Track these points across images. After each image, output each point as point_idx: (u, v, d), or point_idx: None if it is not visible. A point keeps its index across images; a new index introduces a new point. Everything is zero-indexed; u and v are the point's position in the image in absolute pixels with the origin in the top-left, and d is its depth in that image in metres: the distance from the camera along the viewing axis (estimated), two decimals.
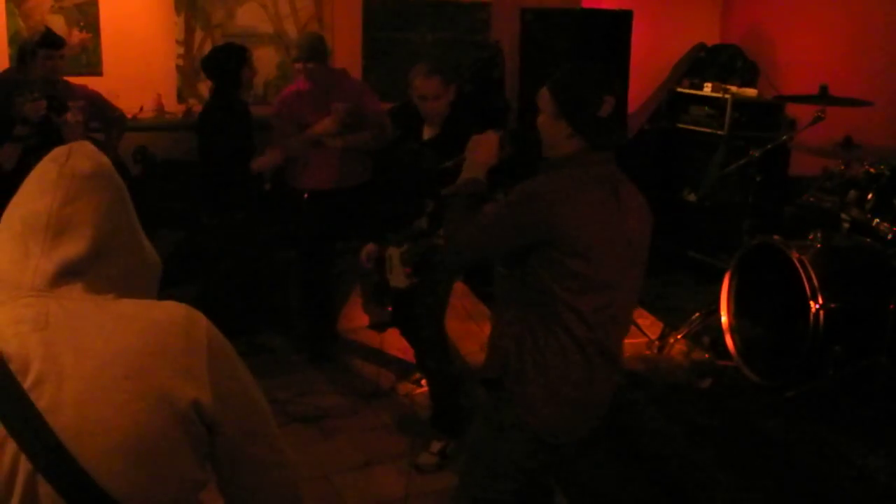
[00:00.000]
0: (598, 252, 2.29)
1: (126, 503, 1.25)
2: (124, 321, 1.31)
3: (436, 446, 3.71)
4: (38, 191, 1.32)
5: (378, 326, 4.90)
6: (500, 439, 2.43)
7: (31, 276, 1.29)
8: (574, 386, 2.34)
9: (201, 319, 1.37)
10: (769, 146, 4.49)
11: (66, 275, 1.31)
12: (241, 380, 1.41)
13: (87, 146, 1.40)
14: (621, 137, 2.40)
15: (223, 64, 4.60)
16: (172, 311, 1.36)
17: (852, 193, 3.92)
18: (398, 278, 3.77)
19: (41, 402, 1.22)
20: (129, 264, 1.41)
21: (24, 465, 1.21)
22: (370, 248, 4.08)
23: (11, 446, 1.21)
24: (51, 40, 4.39)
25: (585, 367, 2.34)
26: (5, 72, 4.72)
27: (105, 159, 1.40)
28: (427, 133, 3.89)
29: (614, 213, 2.34)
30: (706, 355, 4.24)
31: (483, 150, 2.52)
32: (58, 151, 1.36)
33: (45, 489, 1.22)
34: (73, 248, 1.31)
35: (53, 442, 1.21)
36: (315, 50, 4.63)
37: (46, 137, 3.99)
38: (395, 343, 4.53)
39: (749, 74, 6.05)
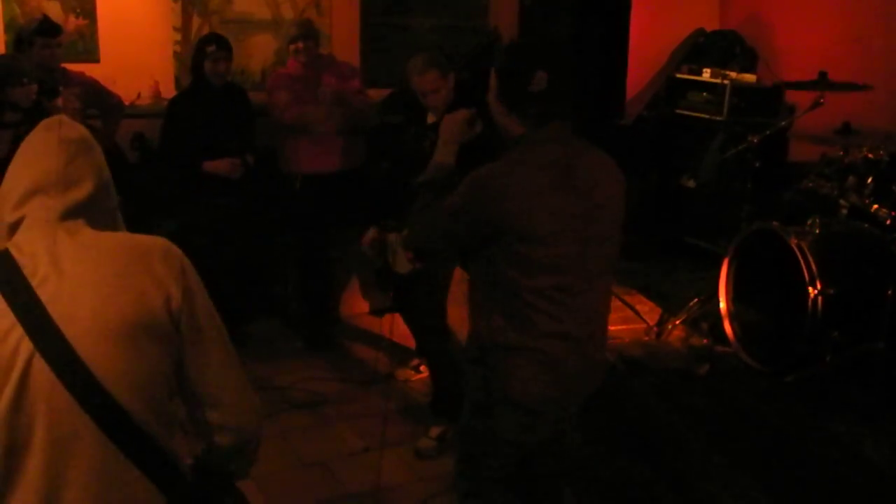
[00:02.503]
0: (549, 234, 2.25)
1: (107, 381, 1.52)
2: (115, 241, 1.66)
3: (435, 431, 3.72)
4: (43, 155, 1.65)
5: (378, 312, 4.91)
6: (489, 415, 2.44)
7: (45, 213, 1.61)
8: (549, 357, 2.32)
9: (178, 249, 1.70)
10: (768, 132, 4.48)
11: (73, 213, 1.63)
12: (206, 298, 1.70)
13: (66, 118, 1.74)
14: (559, 113, 2.32)
15: (192, 54, 4.67)
16: (155, 239, 1.71)
17: (851, 179, 3.91)
18: (401, 263, 3.77)
19: (44, 296, 1.53)
20: (116, 209, 1.76)
21: (26, 346, 1.50)
22: (372, 232, 4.08)
23: (18, 331, 1.50)
24: (48, 28, 4.37)
25: (558, 340, 2.31)
26: (1, 58, 4.70)
27: (82, 126, 1.74)
28: (431, 118, 3.91)
29: (565, 194, 2.27)
30: (704, 341, 4.25)
31: (450, 128, 2.46)
32: (48, 123, 1.70)
33: (39, 366, 1.50)
34: (79, 194, 1.64)
35: (51, 326, 1.51)
36: (312, 30, 4.73)
37: (38, 123, 3.96)
38: (394, 329, 4.54)
39: (748, 60, 6.03)
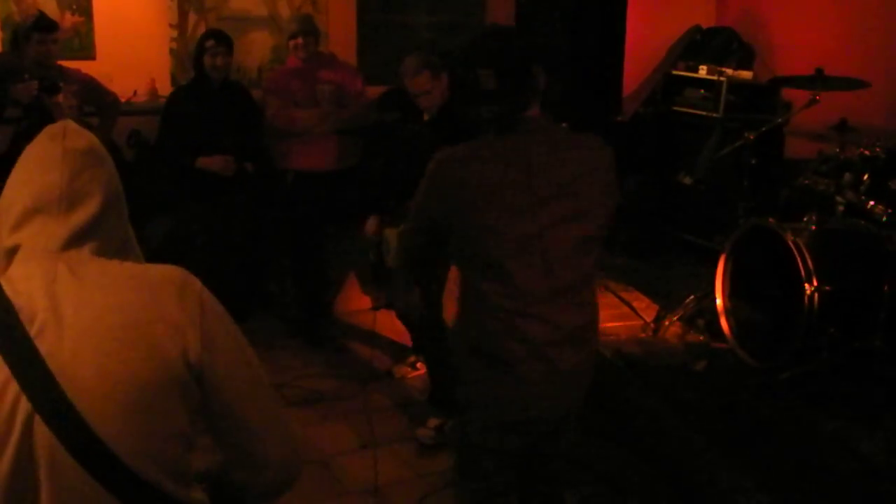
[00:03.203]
0: (497, 231, 2.17)
1: (116, 447, 1.35)
2: (123, 279, 1.45)
3: (433, 422, 3.73)
4: (44, 168, 1.46)
5: (377, 308, 4.91)
6: (466, 418, 2.42)
7: (45, 240, 1.43)
8: (505, 365, 2.24)
9: (196, 281, 1.50)
10: (764, 129, 4.48)
11: (77, 239, 1.44)
12: (232, 337, 1.51)
13: (73, 124, 1.54)
14: (522, 105, 2.23)
15: (194, 51, 4.75)
16: (169, 272, 1.50)
17: (847, 176, 3.91)
18: (396, 259, 3.77)
19: (43, 348, 1.34)
20: (128, 227, 1.57)
21: (24, 406, 1.32)
22: (373, 219, 4.11)
23: (14, 387, 1.32)
24: (44, 24, 4.37)
25: (515, 343, 2.21)
26: (2, 55, 4.69)
27: (92, 135, 1.55)
28: (427, 116, 3.95)
29: (518, 191, 2.19)
30: (701, 338, 4.25)
31: None
32: (53, 130, 1.51)
33: (41, 429, 1.33)
34: (84, 214, 1.45)
35: (51, 384, 1.33)
36: (311, 26, 4.75)
37: (38, 119, 3.97)
38: (390, 325, 4.55)
39: (744, 57, 6.04)
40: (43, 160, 1.48)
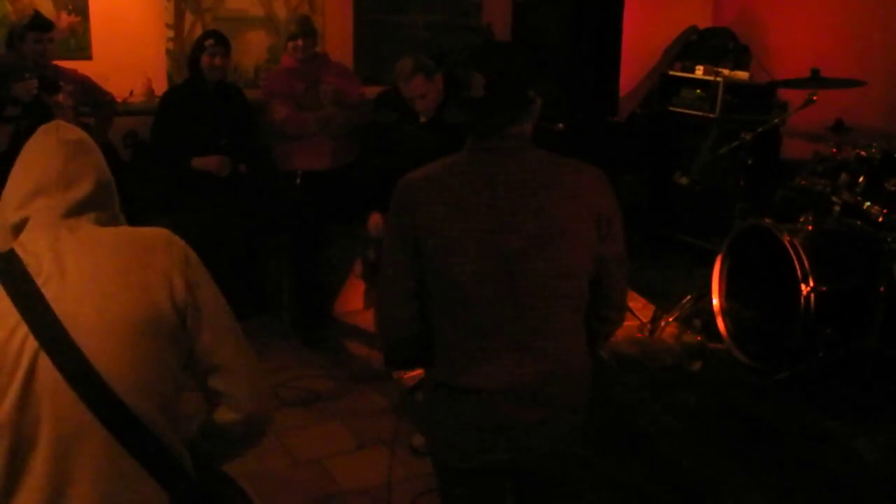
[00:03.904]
0: (452, 259, 1.98)
1: (113, 380, 1.54)
2: (117, 236, 1.69)
3: None
4: (43, 157, 1.69)
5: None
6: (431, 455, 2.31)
7: (48, 213, 1.65)
8: (453, 410, 2.09)
9: (180, 240, 1.73)
10: (761, 129, 4.49)
11: (76, 210, 1.66)
12: (211, 288, 1.73)
13: (63, 122, 1.80)
14: (507, 121, 2.03)
15: (191, 50, 4.75)
16: (158, 231, 1.73)
17: (843, 177, 3.92)
18: None
19: (49, 294, 1.55)
20: (119, 215, 1.78)
21: (31, 344, 1.52)
22: (376, 217, 4.10)
23: (23, 329, 1.53)
24: (39, 23, 4.37)
25: (465, 392, 2.04)
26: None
27: (81, 130, 1.79)
28: (423, 117, 3.97)
29: (479, 214, 1.99)
30: (697, 338, 4.25)
31: None
32: (46, 127, 1.75)
33: (44, 363, 1.52)
34: (80, 191, 1.68)
35: (56, 324, 1.53)
36: (311, 27, 4.75)
37: (38, 118, 3.97)
38: None
39: (741, 57, 6.04)
40: (40, 151, 1.70)
